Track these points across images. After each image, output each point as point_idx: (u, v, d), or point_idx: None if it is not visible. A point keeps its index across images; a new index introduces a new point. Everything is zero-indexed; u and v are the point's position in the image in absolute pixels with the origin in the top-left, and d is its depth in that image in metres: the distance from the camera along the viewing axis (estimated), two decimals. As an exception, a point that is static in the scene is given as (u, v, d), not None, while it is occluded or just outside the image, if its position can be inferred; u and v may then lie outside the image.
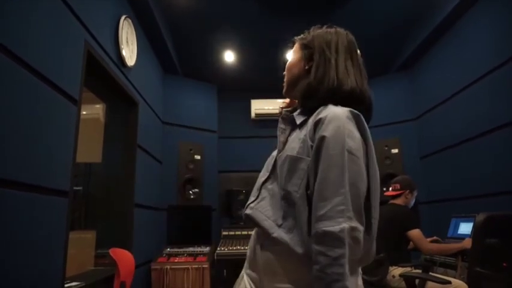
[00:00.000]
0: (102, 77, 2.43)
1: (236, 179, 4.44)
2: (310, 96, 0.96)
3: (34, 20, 1.56)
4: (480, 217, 1.88)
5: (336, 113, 0.84)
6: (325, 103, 0.91)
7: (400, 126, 4.07)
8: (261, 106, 4.54)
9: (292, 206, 0.86)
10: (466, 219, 2.77)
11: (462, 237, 2.68)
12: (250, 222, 0.97)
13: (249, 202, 1.00)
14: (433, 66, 3.64)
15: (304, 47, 1.04)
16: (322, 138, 0.81)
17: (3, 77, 1.36)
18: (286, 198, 0.87)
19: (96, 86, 2.53)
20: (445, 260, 2.56)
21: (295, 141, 0.92)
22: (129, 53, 2.79)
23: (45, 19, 1.64)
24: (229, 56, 4.09)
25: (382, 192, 3.97)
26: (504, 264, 1.91)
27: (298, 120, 0.97)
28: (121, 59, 2.63)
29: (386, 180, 3.63)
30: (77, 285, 1.88)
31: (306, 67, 1.02)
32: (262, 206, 0.94)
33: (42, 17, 1.62)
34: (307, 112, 0.96)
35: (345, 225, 0.75)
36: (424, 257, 2.82)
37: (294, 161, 0.87)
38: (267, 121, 4.58)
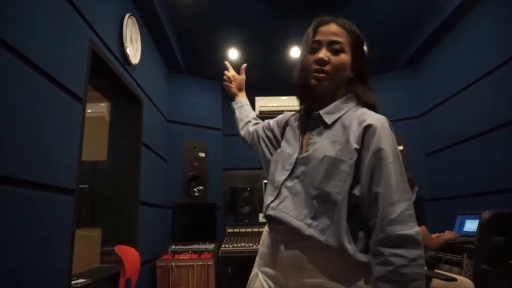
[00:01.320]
0: (107, 75, 2.43)
1: (240, 177, 4.45)
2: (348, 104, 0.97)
3: (39, 18, 1.57)
4: (486, 215, 1.87)
5: (381, 121, 0.88)
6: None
7: (405, 123, 4.04)
8: (265, 103, 4.54)
9: (330, 206, 0.86)
10: (472, 217, 2.75)
11: (468, 234, 2.67)
12: (274, 222, 0.95)
13: (268, 202, 0.97)
14: (438, 63, 3.61)
15: (356, 52, 0.98)
16: (380, 147, 0.84)
17: (9, 75, 1.37)
18: (322, 198, 0.87)
19: (101, 85, 2.54)
20: (451, 257, 2.56)
21: (327, 142, 0.91)
22: (134, 51, 2.80)
23: (50, 18, 1.65)
24: (233, 54, 4.09)
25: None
26: (510, 262, 1.90)
27: (329, 120, 0.95)
28: (125, 58, 2.64)
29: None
30: (84, 282, 1.89)
31: (352, 75, 0.99)
32: (285, 207, 0.92)
33: (47, 16, 1.63)
34: (333, 111, 0.96)
35: (417, 228, 0.80)
36: (429, 254, 2.82)
37: (334, 162, 0.87)
38: (271, 118, 4.57)
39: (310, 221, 0.87)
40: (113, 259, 2.51)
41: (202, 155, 4.10)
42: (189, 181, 3.94)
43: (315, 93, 0.96)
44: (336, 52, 0.94)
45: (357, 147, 0.86)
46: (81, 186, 2.20)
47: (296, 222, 0.88)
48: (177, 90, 4.12)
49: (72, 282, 1.81)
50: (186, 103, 4.19)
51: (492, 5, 2.76)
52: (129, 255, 2.35)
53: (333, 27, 0.96)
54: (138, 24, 2.90)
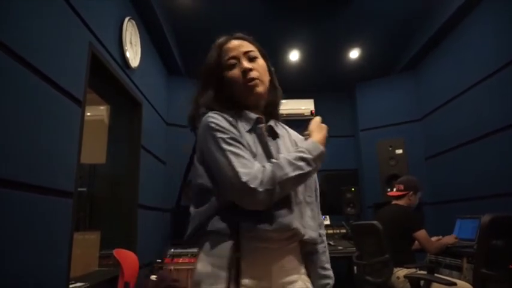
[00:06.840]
0: (106, 78, 2.44)
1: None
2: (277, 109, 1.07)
3: (39, 22, 1.57)
4: (486, 218, 1.86)
5: None
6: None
7: (405, 127, 4.05)
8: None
9: (315, 208, 1.02)
10: (472, 221, 2.74)
11: (467, 238, 2.66)
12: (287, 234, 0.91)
13: (291, 217, 0.90)
14: (438, 67, 3.62)
15: (264, 56, 1.04)
16: None
17: (9, 78, 1.37)
18: (313, 203, 1.02)
19: (100, 88, 2.54)
20: (450, 261, 2.55)
21: (286, 152, 0.97)
22: (133, 55, 2.80)
23: (49, 21, 1.65)
24: (232, 57, 4.09)
25: (385, 192, 3.91)
26: (510, 266, 1.89)
27: (279, 131, 1.02)
28: (125, 61, 2.64)
29: (390, 181, 3.61)
30: (82, 285, 1.88)
31: (269, 79, 1.03)
32: (304, 220, 1.00)
33: (46, 19, 1.63)
34: (274, 122, 1.02)
35: None
36: (429, 258, 2.81)
37: None
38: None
39: (312, 224, 0.98)
40: (112, 262, 2.50)
41: (201, 158, 4.09)
42: (188, 184, 3.93)
43: (251, 102, 0.97)
44: (253, 59, 0.99)
45: None
46: (80, 189, 2.19)
47: (311, 233, 0.96)
48: (177, 93, 4.11)
49: (70, 286, 1.80)
50: (185, 106, 4.17)
51: (492, 8, 2.77)
52: (128, 259, 2.34)
53: (235, 42, 1.01)
54: (138, 28, 2.91)
